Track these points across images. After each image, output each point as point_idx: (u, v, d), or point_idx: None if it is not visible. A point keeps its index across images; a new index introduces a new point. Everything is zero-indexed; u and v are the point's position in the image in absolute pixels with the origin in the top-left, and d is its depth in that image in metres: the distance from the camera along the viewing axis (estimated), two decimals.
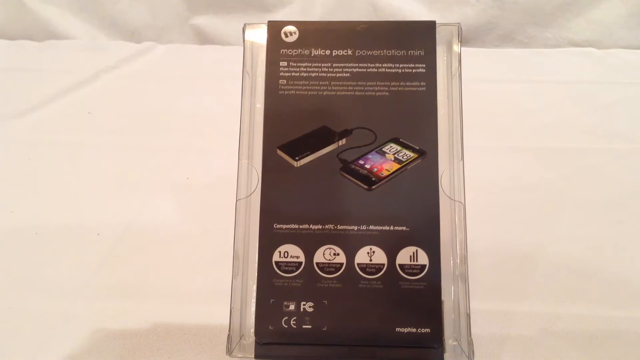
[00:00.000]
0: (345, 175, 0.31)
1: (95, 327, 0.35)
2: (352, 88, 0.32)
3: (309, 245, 0.30)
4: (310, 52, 0.32)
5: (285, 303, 0.30)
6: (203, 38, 0.83)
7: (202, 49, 0.79)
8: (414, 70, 0.32)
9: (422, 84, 0.32)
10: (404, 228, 0.30)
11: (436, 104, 0.31)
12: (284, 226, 0.31)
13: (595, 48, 0.76)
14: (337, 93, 0.32)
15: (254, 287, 0.30)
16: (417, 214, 0.30)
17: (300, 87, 0.32)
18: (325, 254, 0.30)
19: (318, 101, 0.32)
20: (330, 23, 0.34)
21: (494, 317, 0.35)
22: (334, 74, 0.32)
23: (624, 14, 0.77)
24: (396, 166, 0.31)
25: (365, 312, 0.29)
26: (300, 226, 0.31)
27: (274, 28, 0.33)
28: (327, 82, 0.32)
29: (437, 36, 0.32)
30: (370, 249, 0.30)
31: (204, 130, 0.56)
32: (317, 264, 0.30)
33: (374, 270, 0.30)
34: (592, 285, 0.38)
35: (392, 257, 0.30)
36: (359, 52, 0.32)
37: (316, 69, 0.32)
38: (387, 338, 0.29)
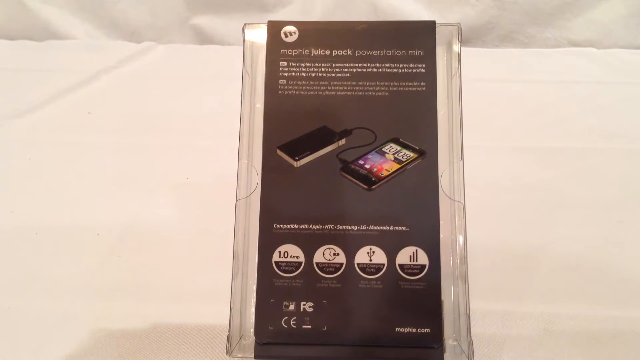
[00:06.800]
0: (345, 175, 0.31)
1: (95, 327, 0.35)
2: (352, 88, 0.32)
3: (309, 245, 0.30)
4: (310, 52, 0.32)
5: (285, 303, 0.30)
6: (203, 38, 0.83)
7: (202, 49, 0.79)
8: (413, 70, 0.32)
9: (422, 84, 0.32)
10: (404, 228, 0.30)
11: (436, 104, 0.31)
12: (283, 226, 0.31)
13: (595, 48, 0.76)
14: (337, 93, 0.32)
15: (254, 287, 0.30)
16: (417, 214, 0.30)
17: (300, 87, 0.32)
18: (325, 254, 0.30)
19: (318, 101, 0.32)
20: (330, 23, 0.34)
21: (494, 317, 0.35)
22: (334, 74, 0.32)
23: (624, 14, 0.77)
24: (396, 166, 0.31)
25: (365, 312, 0.29)
26: (300, 226, 0.31)
27: (274, 28, 0.33)
28: (327, 82, 0.32)
29: (437, 36, 0.32)
30: (370, 249, 0.30)
31: (204, 130, 0.56)
32: (317, 264, 0.30)
33: (374, 270, 0.30)
34: (592, 285, 0.38)
35: (392, 257, 0.30)
36: (358, 52, 0.32)
37: (316, 69, 0.32)
38: (387, 338, 0.29)
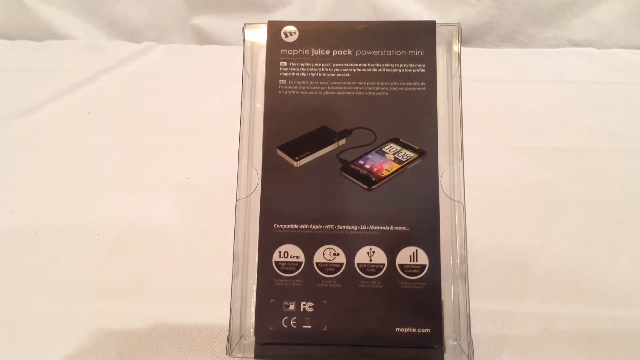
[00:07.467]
0: (345, 175, 0.31)
1: (95, 327, 0.35)
2: (352, 88, 0.32)
3: (309, 245, 0.30)
4: (310, 52, 0.32)
5: (285, 303, 0.30)
6: (203, 38, 0.83)
7: (202, 49, 0.79)
8: (414, 70, 0.32)
9: (422, 84, 0.32)
10: (404, 228, 0.30)
11: (436, 104, 0.31)
12: (284, 226, 0.31)
13: (595, 48, 0.76)
14: (337, 93, 0.32)
15: (254, 287, 0.30)
16: (417, 214, 0.30)
17: (300, 87, 0.32)
18: (325, 254, 0.30)
19: (318, 101, 0.32)
20: (330, 23, 0.34)
21: (494, 317, 0.35)
22: (334, 74, 0.32)
23: (624, 14, 0.77)
24: (396, 166, 0.31)
25: (365, 312, 0.29)
26: (300, 226, 0.31)
27: (274, 28, 0.33)
28: (327, 82, 0.32)
29: (437, 36, 0.32)
30: (370, 249, 0.30)
31: (204, 130, 0.56)
32: (317, 264, 0.30)
33: (374, 270, 0.30)
34: (592, 285, 0.38)
35: (392, 257, 0.30)
36: (359, 52, 0.32)
37: (316, 69, 0.32)
38: (387, 338, 0.29)
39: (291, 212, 0.31)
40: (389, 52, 0.32)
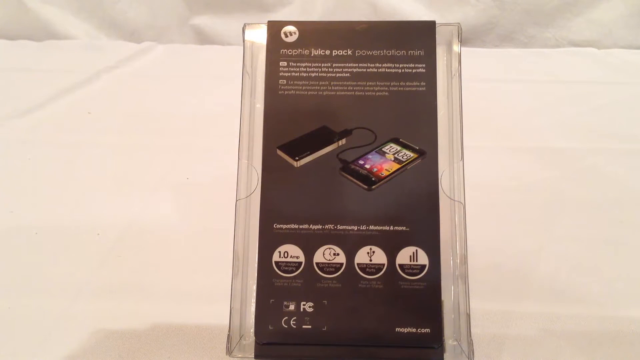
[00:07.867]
0: (345, 175, 0.31)
1: (95, 327, 0.35)
2: (352, 88, 0.32)
3: (309, 245, 0.30)
4: (310, 52, 0.32)
5: (285, 303, 0.30)
6: (203, 38, 0.83)
7: (202, 49, 0.79)
8: (413, 70, 0.32)
9: (422, 84, 0.32)
10: (404, 228, 0.30)
11: (436, 104, 0.31)
12: (283, 226, 0.31)
13: (595, 48, 0.76)
14: (337, 93, 0.32)
15: (254, 287, 0.30)
16: (417, 214, 0.30)
17: (300, 87, 0.32)
18: (325, 254, 0.30)
19: (318, 101, 0.32)
20: (330, 23, 0.34)
21: (494, 317, 0.35)
22: (334, 74, 0.32)
23: (624, 14, 0.77)
24: (396, 166, 0.31)
25: (365, 312, 0.29)
26: (300, 226, 0.31)
27: (274, 28, 0.33)
28: (327, 82, 0.32)
29: (437, 36, 0.32)
30: (370, 249, 0.30)
31: (204, 130, 0.56)
32: (317, 264, 0.30)
33: (374, 270, 0.30)
34: (592, 285, 0.38)
35: (392, 257, 0.30)
36: (358, 52, 0.32)
37: (316, 69, 0.32)
38: (387, 338, 0.29)
39: (291, 212, 0.31)
40: (388, 52, 0.32)
